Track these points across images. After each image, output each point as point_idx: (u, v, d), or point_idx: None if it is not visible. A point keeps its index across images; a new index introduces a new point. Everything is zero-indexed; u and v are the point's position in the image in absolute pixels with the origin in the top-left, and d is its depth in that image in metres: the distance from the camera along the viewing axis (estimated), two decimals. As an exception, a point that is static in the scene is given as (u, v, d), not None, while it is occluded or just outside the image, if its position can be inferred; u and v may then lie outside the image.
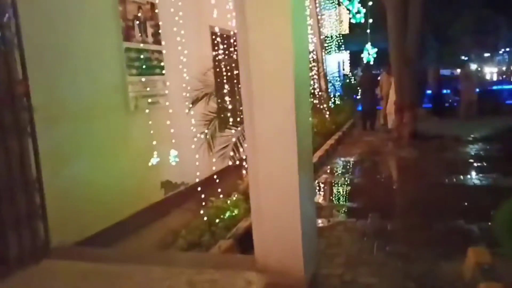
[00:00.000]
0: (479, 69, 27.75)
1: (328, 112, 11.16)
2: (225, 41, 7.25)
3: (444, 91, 14.27)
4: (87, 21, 4.21)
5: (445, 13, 23.80)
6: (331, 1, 15.83)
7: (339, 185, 6.50)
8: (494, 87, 19.36)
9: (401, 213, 5.17)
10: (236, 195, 5.32)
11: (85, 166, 4.12)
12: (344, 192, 6.24)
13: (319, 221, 4.81)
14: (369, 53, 6.59)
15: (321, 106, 11.27)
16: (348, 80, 18.34)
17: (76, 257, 3.36)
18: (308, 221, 2.92)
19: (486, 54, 33.43)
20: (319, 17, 11.93)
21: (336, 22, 19.26)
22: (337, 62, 20.80)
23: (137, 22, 4.88)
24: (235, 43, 7.75)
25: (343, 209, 5.27)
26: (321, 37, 12.17)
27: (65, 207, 3.82)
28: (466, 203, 5.16)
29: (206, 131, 4.93)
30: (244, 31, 2.70)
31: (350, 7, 9.95)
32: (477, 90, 12.70)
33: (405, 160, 7.97)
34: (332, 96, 14.95)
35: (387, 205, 5.33)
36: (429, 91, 14.16)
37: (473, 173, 6.70)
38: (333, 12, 18.50)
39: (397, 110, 10.13)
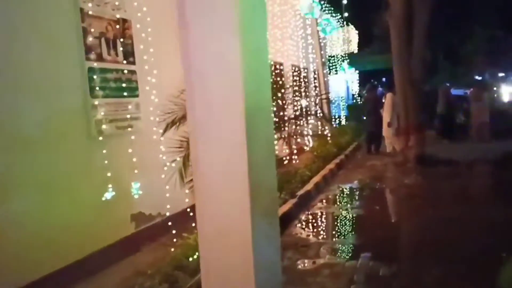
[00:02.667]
0: (494, 88, 27.01)
1: (329, 135, 10.62)
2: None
3: (454, 111, 13.62)
4: (42, 39, 3.80)
5: (457, 33, 23.35)
6: (336, 20, 15.46)
7: (332, 217, 5.92)
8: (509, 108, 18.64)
9: (397, 254, 4.56)
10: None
11: (33, 200, 3.65)
12: (337, 227, 5.66)
13: (303, 262, 4.26)
14: (345, 72, 6.20)
15: (322, 128, 10.76)
16: (354, 101, 17.84)
17: None
18: (266, 273, 2.38)
19: (501, 74, 32.67)
20: (320, 37, 11.49)
21: (343, 41, 18.90)
22: (345, 81, 20.33)
23: (105, 40, 4.46)
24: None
25: (333, 247, 4.69)
26: (323, 57, 11.71)
27: (4, 247, 3.35)
28: (475, 245, 4.53)
29: (178, 158, 4.45)
30: (186, 49, 2.23)
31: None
32: (489, 111, 12.05)
33: (409, 188, 7.35)
34: (336, 117, 14.45)
35: (382, 243, 4.73)
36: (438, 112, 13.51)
37: (483, 205, 6.05)
38: (340, 31, 18.17)
39: (403, 132, 9.57)
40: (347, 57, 17.11)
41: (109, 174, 4.33)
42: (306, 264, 4.21)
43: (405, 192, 7.17)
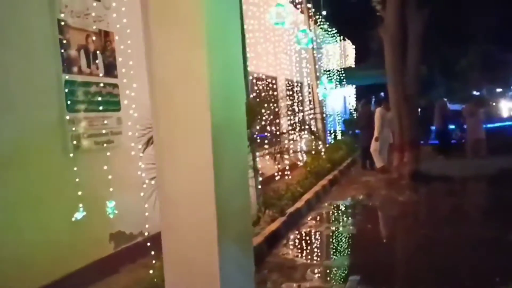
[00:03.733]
0: (491, 104, 26.93)
1: (323, 150, 10.46)
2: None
3: (451, 127, 13.49)
4: (16, 51, 3.65)
5: (455, 48, 23.39)
6: (330, 35, 15.43)
7: (322, 237, 5.71)
8: (507, 124, 18.52)
9: (387, 277, 4.34)
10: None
11: (1, 219, 3.45)
12: (326, 247, 5.45)
13: (288, 286, 4.05)
14: (325, 88, 5.91)
15: (316, 144, 10.60)
16: (351, 115, 17.72)
17: None
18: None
19: (498, 89, 32.68)
20: (314, 52, 11.40)
21: (340, 56, 18.87)
22: (343, 96, 20.25)
23: (84, 52, 4.32)
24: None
25: (320, 269, 4.49)
26: (317, 72, 11.60)
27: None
28: (468, 268, 4.33)
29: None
30: (150, 61, 2.08)
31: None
32: (485, 127, 11.90)
33: (403, 206, 7.14)
34: (332, 132, 14.30)
35: (373, 265, 4.52)
36: (434, 127, 13.39)
37: (477, 225, 5.85)
38: (337, 46, 18.14)
39: (397, 148, 9.42)
40: (344, 72, 17.00)
41: (86, 191, 4.14)
42: (290, 288, 4.00)
43: (398, 210, 6.96)
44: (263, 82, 9.21)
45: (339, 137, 14.75)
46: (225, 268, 2.04)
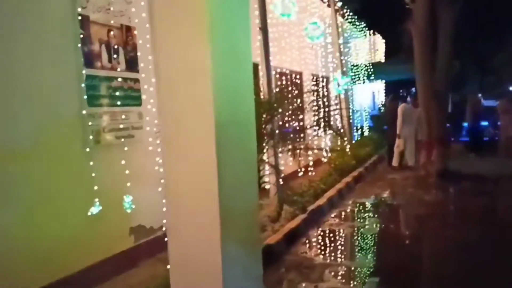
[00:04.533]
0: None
1: (348, 146, 10.28)
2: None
3: (483, 124, 12.99)
4: (36, 46, 3.70)
5: (489, 43, 22.53)
6: (359, 29, 15.12)
7: (342, 236, 5.60)
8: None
9: (406, 280, 4.19)
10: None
11: (22, 212, 3.52)
12: (346, 246, 5.34)
13: (305, 286, 3.99)
14: (338, 84, 5.62)
15: (341, 140, 10.44)
16: (378, 111, 17.36)
17: None
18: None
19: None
20: (341, 46, 11.18)
21: (370, 50, 18.49)
22: (371, 92, 19.87)
23: (106, 47, 4.35)
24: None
25: (339, 270, 4.39)
26: (344, 67, 11.38)
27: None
28: (494, 273, 4.15)
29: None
30: (156, 57, 2.04)
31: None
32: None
33: (428, 206, 6.91)
34: (358, 128, 14.05)
35: (393, 267, 4.39)
36: (466, 124, 12.94)
37: (508, 228, 5.59)
38: (366, 40, 17.77)
39: (425, 145, 9.16)
40: (372, 67, 16.63)
41: (105, 185, 4.18)
42: (307, 288, 3.94)
43: (424, 209, 6.74)
44: (287, 77, 9.11)
45: (366, 133, 14.49)
46: (229, 268, 1.99)
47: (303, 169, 8.18)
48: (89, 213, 4.00)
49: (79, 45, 4.05)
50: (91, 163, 4.11)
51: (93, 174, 4.10)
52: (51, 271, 3.70)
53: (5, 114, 3.45)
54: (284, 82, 8.78)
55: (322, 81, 10.92)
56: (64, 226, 3.85)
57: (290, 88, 9.18)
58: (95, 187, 4.10)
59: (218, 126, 1.90)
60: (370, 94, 19.65)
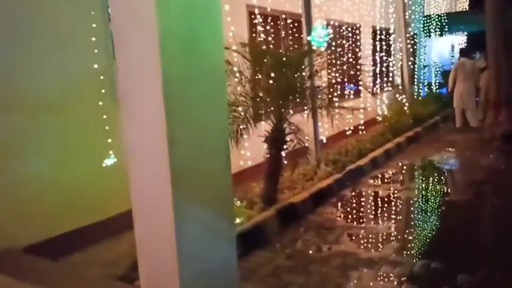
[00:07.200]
0: None
1: (407, 104, 9.65)
2: (270, 23, 6.44)
3: None
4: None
5: None
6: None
7: (374, 198, 5.35)
8: None
9: (438, 255, 3.91)
10: (238, 202, 4.63)
11: (47, 163, 3.75)
12: (374, 210, 5.09)
13: (317, 247, 3.90)
14: (319, 36, 4.96)
15: (400, 97, 9.83)
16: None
17: (11, 271, 3.05)
18: (200, 263, 2.11)
19: None
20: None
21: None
22: (450, 45, 18.28)
23: None
24: (283, 24, 6.95)
25: (358, 234, 4.22)
26: (408, 17, 10.50)
27: (16, 207, 3.51)
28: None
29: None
30: (112, 11, 1.97)
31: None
32: None
33: (485, 171, 6.31)
34: (425, 84, 13.11)
35: (423, 238, 4.13)
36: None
37: None
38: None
39: (492, 105, 8.33)
40: (448, 17, 15.17)
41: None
42: (318, 250, 3.83)
43: (478, 176, 6.17)
44: (342, 30, 8.62)
45: (434, 90, 13.47)
46: (185, 232, 1.95)
47: (353, 128, 7.84)
48: (103, 165, 4.14)
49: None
50: (119, 114, 4.22)
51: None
52: (86, 215, 3.94)
53: (35, 68, 3.65)
54: (339, 36, 8.34)
55: (381, 34, 10.21)
56: (96, 174, 4.05)
57: (346, 42, 8.71)
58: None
59: (167, 81, 1.81)
60: (447, 48, 18.09)
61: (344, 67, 8.45)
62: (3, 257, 3.33)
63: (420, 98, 11.48)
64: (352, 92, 8.70)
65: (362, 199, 5.33)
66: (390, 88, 10.65)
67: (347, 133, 7.76)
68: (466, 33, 18.81)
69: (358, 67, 9.24)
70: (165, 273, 2.02)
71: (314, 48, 5.73)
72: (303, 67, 4.98)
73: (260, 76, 4.75)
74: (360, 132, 8.03)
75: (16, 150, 3.57)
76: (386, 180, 6.09)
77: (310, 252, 3.82)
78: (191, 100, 1.98)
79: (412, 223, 4.59)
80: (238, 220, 4.21)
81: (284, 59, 4.80)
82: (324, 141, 6.61)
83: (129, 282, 3.01)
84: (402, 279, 3.23)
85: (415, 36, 12.73)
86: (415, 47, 12.47)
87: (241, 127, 4.47)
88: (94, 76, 4.10)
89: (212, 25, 2.05)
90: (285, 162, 5.08)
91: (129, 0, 1.83)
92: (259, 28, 6.11)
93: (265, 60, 4.64)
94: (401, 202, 5.19)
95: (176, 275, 1.97)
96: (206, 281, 2.12)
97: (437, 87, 13.54)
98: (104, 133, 4.14)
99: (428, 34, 14.48)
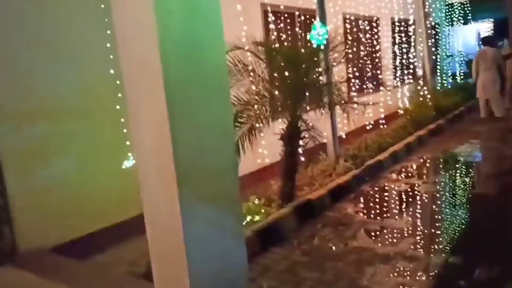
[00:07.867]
0: None
1: (429, 96, 9.47)
2: (285, 20, 6.44)
3: None
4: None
5: None
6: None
7: (394, 194, 5.29)
8: None
9: (457, 251, 3.87)
10: (256, 200, 4.67)
11: (71, 166, 3.90)
12: (394, 206, 5.05)
13: (334, 243, 3.91)
14: (318, 34, 4.81)
15: (421, 89, 9.66)
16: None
17: (39, 269, 3.20)
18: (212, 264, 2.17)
19: None
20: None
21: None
22: (476, 33, 17.77)
23: None
24: (298, 22, 6.93)
25: (376, 230, 4.20)
26: (427, 7, 10.29)
27: (42, 209, 3.66)
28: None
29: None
30: (114, 17, 2.04)
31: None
32: None
33: (508, 163, 6.17)
34: (449, 75, 12.82)
35: (443, 235, 4.08)
36: None
37: None
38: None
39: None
40: (475, 4, 14.74)
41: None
42: (334, 246, 3.84)
43: (500, 167, 6.02)
44: (361, 23, 8.53)
45: (459, 80, 13.15)
46: (193, 230, 2.01)
47: (373, 122, 7.77)
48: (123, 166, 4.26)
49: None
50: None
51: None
52: (108, 215, 4.05)
53: (55, 75, 3.80)
54: (357, 28, 8.26)
55: (400, 25, 10.04)
56: (117, 177, 4.13)
57: (364, 34, 8.62)
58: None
59: (168, 84, 1.86)
60: (473, 37, 17.60)
61: (362, 61, 8.38)
62: (32, 256, 3.49)
63: (444, 89, 11.25)
64: (372, 86, 8.61)
65: (380, 194, 5.28)
66: (411, 81, 10.47)
67: (368, 127, 7.69)
68: (492, 20, 18.28)
69: (378, 60, 9.15)
70: (175, 274, 2.08)
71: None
72: (316, 63, 4.97)
73: (273, 74, 4.78)
74: (381, 126, 7.94)
75: (42, 155, 3.72)
76: (405, 175, 6.01)
77: (327, 248, 3.84)
78: (193, 102, 2.03)
79: (431, 218, 4.53)
80: (256, 218, 4.27)
81: (295, 55, 4.80)
82: (344, 136, 6.59)
83: (152, 280, 3.11)
84: (419, 274, 3.21)
85: (437, 26, 12.46)
86: (437, 37, 12.21)
87: (256, 125, 4.51)
88: (110, 81, 4.21)
89: (212, 31, 2.10)
90: (303, 159, 5.09)
91: (130, 8, 1.90)
92: (274, 26, 6.13)
93: (278, 57, 4.66)
94: (420, 196, 5.12)
95: (185, 275, 2.03)
96: (216, 280, 2.18)
97: (461, 77, 13.21)
98: (122, 136, 4.25)
99: (451, 23, 14.16)
